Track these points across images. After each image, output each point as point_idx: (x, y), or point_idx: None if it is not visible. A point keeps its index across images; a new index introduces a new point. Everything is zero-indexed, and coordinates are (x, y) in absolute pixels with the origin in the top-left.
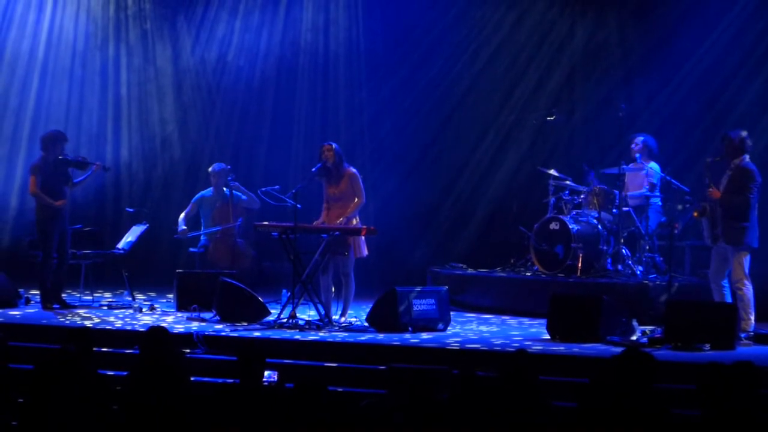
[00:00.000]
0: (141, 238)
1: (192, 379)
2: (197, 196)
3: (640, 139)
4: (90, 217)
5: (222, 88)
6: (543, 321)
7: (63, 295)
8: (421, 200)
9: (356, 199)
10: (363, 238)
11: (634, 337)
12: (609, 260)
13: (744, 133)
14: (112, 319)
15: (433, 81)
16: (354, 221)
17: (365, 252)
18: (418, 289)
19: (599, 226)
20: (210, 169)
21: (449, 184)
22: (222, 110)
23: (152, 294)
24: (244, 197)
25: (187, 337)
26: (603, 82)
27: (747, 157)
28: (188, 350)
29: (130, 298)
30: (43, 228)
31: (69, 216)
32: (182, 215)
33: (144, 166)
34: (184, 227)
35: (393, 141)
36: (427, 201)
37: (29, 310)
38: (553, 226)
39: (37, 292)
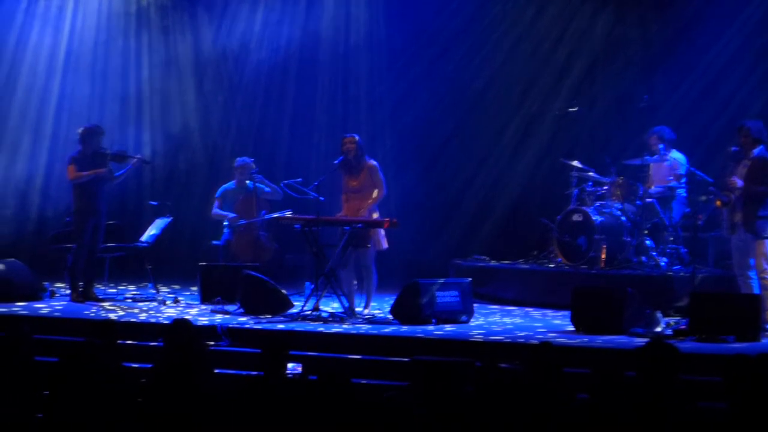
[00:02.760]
0: (164, 231)
1: (216, 371)
2: (221, 189)
3: (653, 131)
4: (113, 210)
5: (243, 81)
6: (566, 313)
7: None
8: (443, 192)
9: (376, 192)
10: (383, 231)
11: (658, 329)
12: (632, 252)
13: (761, 123)
14: (136, 311)
15: (453, 73)
16: (375, 214)
17: (385, 245)
18: (441, 281)
19: (623, 218)
20: (234, 164)
21: (471, 176)
22: (243, 102)
23: (176, 286)
24: (267, 189)
25: (211, 330)
26: (624, 74)
27: (764, 148)
28: (212, 343)
29: (154, 291)
30: (79, 220)
31: (106, 211)
32: (216, 210)
33: (166, 158)
34: (233, 215)
35: (414, 133)
36: (448, 193)
37: (55, 303)
38: (576, 217)
39: (63, 284)
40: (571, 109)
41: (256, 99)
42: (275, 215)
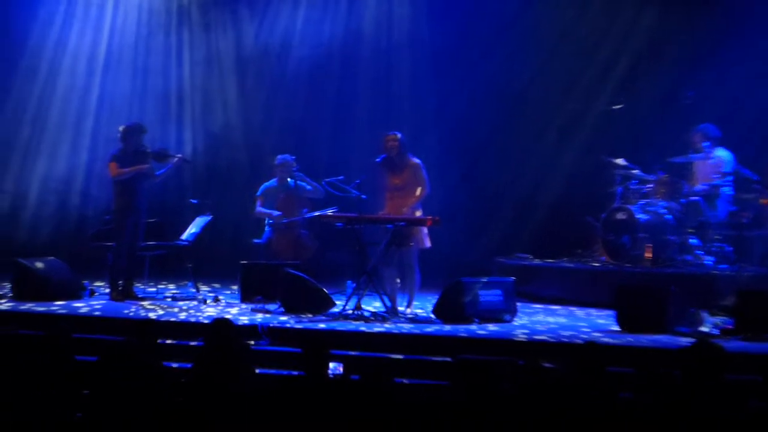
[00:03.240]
0: (205, 229)
1: (257, 371)
2: (262, 188)
3: (697, 128)
4: (153, 208)
5: (285, 78)
6: (611, 312)
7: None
8: (486, 190)
9: (419, 190)
10: (425, 229)
11: (703, 329)
12: (677, 250)
13: None
14: (176, 310)
15: (496, 71)
16: (418, 212)
17: (428, 243)
18: (485, 279)
19: (667, 216)
20: (275, 162)
21: (514, 174)
22: (285, 100)
23: (216, 285)
24: (308, 187)
25: (251, 329)
26: (669, 70)
27: None
28: (253, 342)
29: (194, 290)
30: (119, 218)
31: (146, 209)
32: (260, 208)
33: (207, 156)
34: (278, 213)
35: (457, 131)
36: (491, 191)
37: (94, 302)
38: (620, 215)
39: (102, 283)
40: (615, 107)
41: (298, 96)
42: (317, 213)
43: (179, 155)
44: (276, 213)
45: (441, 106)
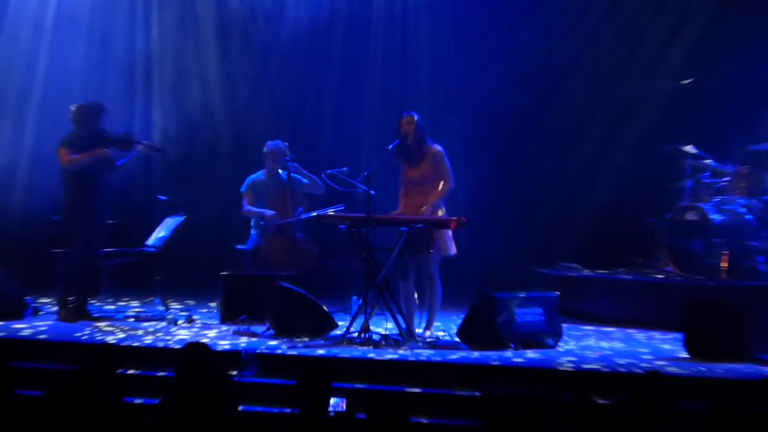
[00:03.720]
0: (176, 232)
1: (241, 408)
2: (247, 181)
3: None
4: (113, 206)
5: (277, 46)
6: (678, 335)
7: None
8: (521, 185)
9: (442, 184)
10: (449, 232)
11: None
12: (760, 258)
13: None
14: (140, 333)
15: (532, 44)
16: (440, 211)
17: (453, 250)
18: (522, 294)
19: (748, 216)
20: (264, 149)
21: (555, 166)
22: (277, 73)
23: (190, 302)
24: (305, 181)
25: (234, 356)
26: (746, 43)
27: None
28: (236, 372)
29: (162, 308)
30: (71, 219)
31: (105, 208)
32: (249, 207)
33: (180, 143)
34: (272, 212)
35: (485, 115)
36: (528, 186)
37: (39, 323)
38: (690, 216)
39: (50, 299)
40: (684, 82)
41: (293, 70)
42: (315, 213)
43: (146, 142)
44: (269, 212)
45: (466, 84)
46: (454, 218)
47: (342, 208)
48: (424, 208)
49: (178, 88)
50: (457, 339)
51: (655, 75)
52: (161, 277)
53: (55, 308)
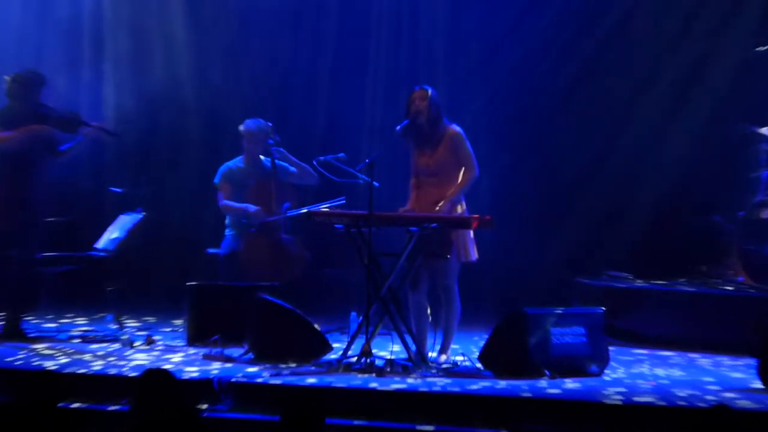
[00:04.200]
0: (133, 233)
1: None
2: (222, 169)
3: None
4: (57, 200)
5: (260, 8)
6: (751, 360)
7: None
8: (558, 176)
9: (463, 172)
10: (471, 234)
11: None
12: None
13: None
14: (88, 357)
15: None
16: (459, 207)
17: (474, 255)
18: (559, 311)
19: None
20: (241, 128)
21: (600, 151)
22: (259, 41)
23: (150, 319)
24: (292, 169)
25: (204, 386)
26: None
27: None
28: (206, 406)
29: (115, 326)
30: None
31: (46, 202)
32: (226, 202)
33: (139, 125)
34: (256, 207)
35: (512, 92)
36: (566, 177)
37: None
38: (767, 214)
39: None
40: (760, 48)
41: (279, 36)
42: (305, 210)
43: (96, 123)
44: (253, 208)
45: (491, 55)
46: (476, 216)
47: (342, 202)
48: (441, 204)
49: (136, 58)
50: (479, 365)
51: (725, 40)
52: (114, 288)
53: None
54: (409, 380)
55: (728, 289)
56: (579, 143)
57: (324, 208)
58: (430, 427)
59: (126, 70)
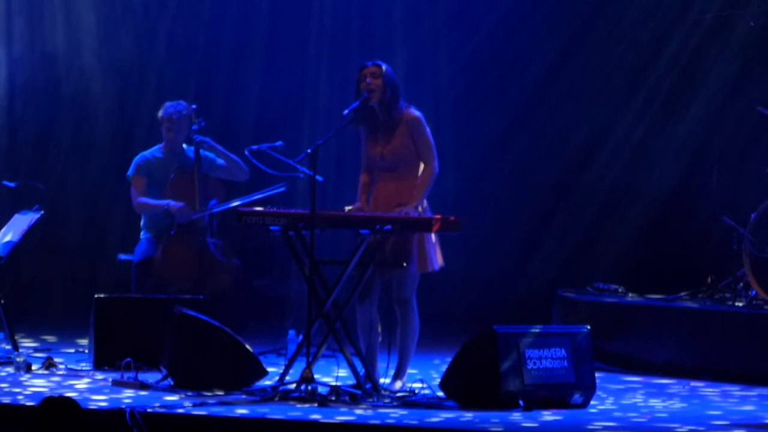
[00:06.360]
0: (29, 235)
1: None
2: (137, 160)
3: None
4: None
5: None
6: (766, 391)
7: None
8: (535, 177)
9: (424, 167)
10: (433, 238)
11: None
12: None
13: None
14: None
15: None
16: (419, 207)
17: (438, 263)
18: (537, 329)
19: None
20: (160, 114)
21: (588, 142)
22: (180, 7)
23: (50, 338)
24: (220, 161)
25: (114, 417)
26: None
27: None
28: None
29: (7, 346)
30: None
31: None
32: (142, 199)
33: (36, 107)
34: (179, 204)
35: (488, 68)
36: (544, 179)
37: None
38: None
39: None
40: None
41: (202, 2)
42: (235, 204)
43: None
44: (176, 204)
45: (457, 20)
46: (439, 217)
47: (282, 189)
48: (403, 208)
49: (30, 26)
50: (441, 393)
51: (741, 6)
52: (5, 302)
53: None
54: (358, 411)
55: (738, 305)
56: (564, 133)
57: (259, 197)
58: None
59: (17, 41)
